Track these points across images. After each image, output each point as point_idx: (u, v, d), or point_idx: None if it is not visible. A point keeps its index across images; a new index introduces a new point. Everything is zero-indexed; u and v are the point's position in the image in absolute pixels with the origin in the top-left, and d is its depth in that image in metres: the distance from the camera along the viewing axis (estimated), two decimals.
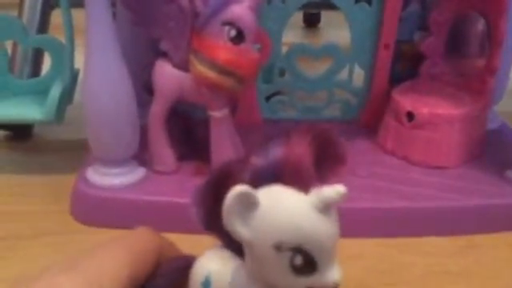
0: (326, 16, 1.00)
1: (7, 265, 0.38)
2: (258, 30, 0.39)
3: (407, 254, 0.40)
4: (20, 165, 0.52)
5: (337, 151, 0.20)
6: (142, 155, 0.44)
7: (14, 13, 0.55)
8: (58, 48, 0.47)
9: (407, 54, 0.53)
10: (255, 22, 0.38)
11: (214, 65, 0.38)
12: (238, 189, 0.18)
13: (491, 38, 0.46)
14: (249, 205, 0.19)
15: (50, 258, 0.38)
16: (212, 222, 0.21)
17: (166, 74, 0.41)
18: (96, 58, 0.39)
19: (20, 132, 0.56)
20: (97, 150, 0.42)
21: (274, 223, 0.18)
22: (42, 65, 0.56)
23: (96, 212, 0.42)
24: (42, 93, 0.47)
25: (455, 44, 0.50)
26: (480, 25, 0.49)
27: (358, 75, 0.53)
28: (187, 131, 0.46)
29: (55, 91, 0.45)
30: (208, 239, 0.23)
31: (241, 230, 0.19)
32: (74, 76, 0.49)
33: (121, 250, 0.22)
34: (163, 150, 0.43)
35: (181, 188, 0.42)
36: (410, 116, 0.46)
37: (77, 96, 0.48)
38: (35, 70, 0.55)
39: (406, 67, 0.53)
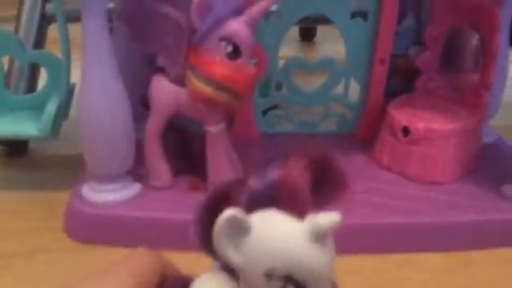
0: (321, 30, 1.01)
1: (1, 283, 0.38)
2: (254, 45, 0.40)
3: (404, 270, 0.40)
4: (15, 181, 0.51)
5: (337, 177, 0.19)
6: (136, 170, 0.43)
7: (10, 26, 0.55)
8: (55, 64, 0.47)
9: (402, 69, 0.53)
10: (251, 37, 0.39)
11: (210, 81, 0.38)
12: (229, 213, 0.18)
13: (485, 52, 0.46)
14: (240, 230, 0.18)
15: (45, 276, 0.38)
16: (209, 243, 0.20)
17: (163, 89, 0.41)
18: (92, 73, 0.39)
19: (16, 148, 0.56)
20: (92, 165, 0.41)
21: (266, 250, 0.18)
22: (37, 80, 0.56)
23: (90, 229, 0.42)
24: (37, 108, 0.47)
25: (450, 58, 0.50)
26: (474, 39, 0.49)
27: (354, 89, 0.53)
28: (183, 146, 0.46)
29: (51, 107, 0.45)
30: (204, 257, 0.22)
31: (232, 255, 0.18)
32: (70, 91, 0.49)
33: (124, 274, 0.22)
34: (159, 165, 0.43)
35: (176, 204, 0.42)
36: (406, 131, 0.46)
37: (72, 111, 0.48)
38: (31, 85, 0.55)
39: (401, 81, 0.54)
